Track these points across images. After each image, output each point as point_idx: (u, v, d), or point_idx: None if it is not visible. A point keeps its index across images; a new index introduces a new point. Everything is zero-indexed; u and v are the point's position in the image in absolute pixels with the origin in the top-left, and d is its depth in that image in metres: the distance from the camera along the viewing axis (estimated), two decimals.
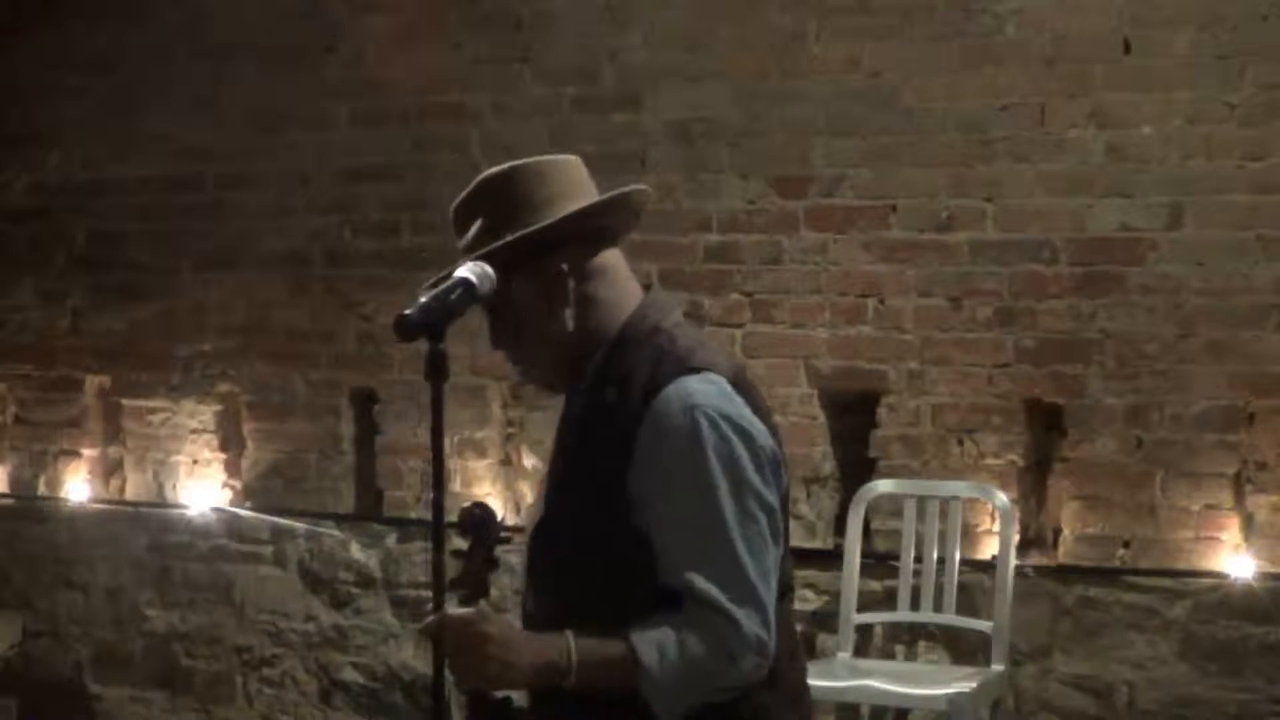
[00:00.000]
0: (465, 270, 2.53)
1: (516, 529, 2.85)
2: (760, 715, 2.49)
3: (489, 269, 2.52)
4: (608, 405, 2.49)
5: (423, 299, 2.46)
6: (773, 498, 2.44)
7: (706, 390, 2.44)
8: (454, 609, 2.41)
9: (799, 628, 5.04)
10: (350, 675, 5.85)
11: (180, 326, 6.12)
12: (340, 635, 5.86)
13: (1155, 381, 4.73)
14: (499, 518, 2.57)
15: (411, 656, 5.70)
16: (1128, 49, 4.77)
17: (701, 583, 2.37)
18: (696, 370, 2.45)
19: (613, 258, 2.61)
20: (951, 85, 4.96)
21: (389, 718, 5.77)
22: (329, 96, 5.86)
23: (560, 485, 2.58)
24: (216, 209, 6.06)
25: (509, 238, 2.54)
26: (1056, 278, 4.84)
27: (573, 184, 2.68)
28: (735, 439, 2.41)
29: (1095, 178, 4.81)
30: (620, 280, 2.60)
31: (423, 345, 2.45)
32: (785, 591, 2.53)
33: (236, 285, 6.03)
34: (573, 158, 2.73)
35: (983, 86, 4.93)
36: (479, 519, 2.54)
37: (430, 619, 2.41)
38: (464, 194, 2.69)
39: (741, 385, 2.52)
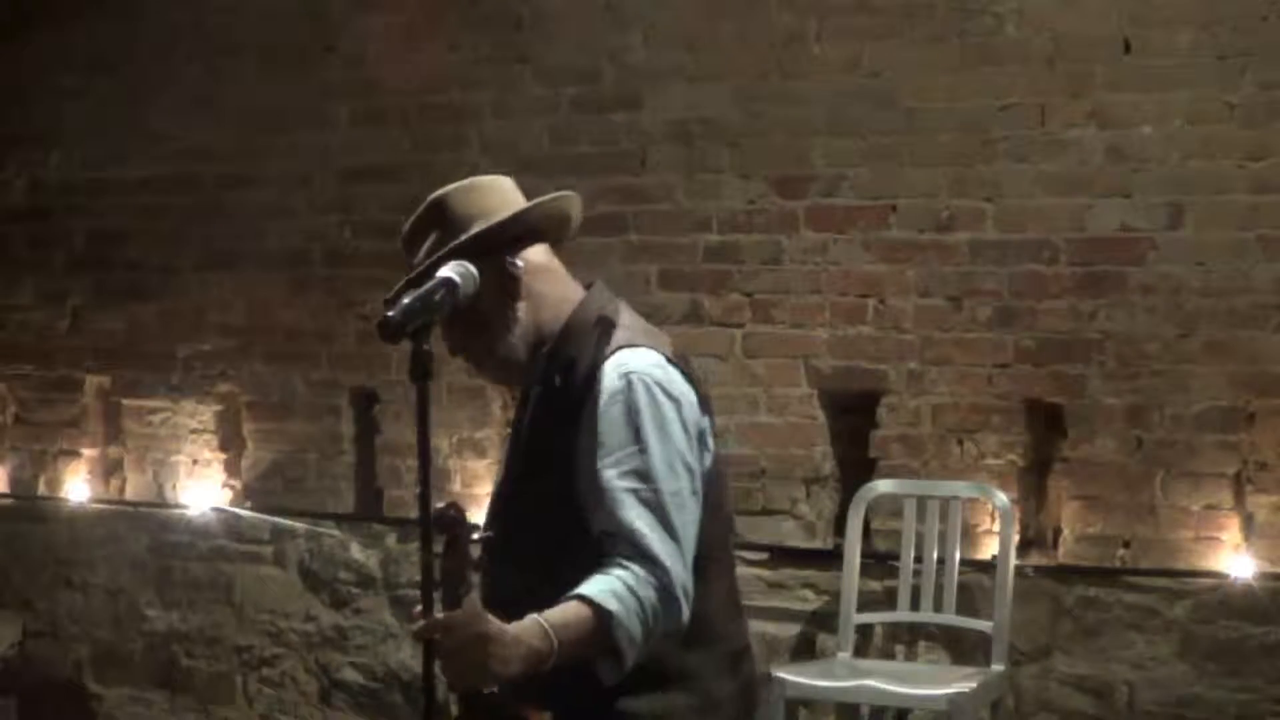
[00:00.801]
0: (448, 270, 2.58)
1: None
2: (689, 675, 2.60)
3: (471, 268, 2.63)
4: (556, 390, 2.66)
5: (405, 300, 2.50)
6: (694, 461, 2.60)
7: (640, 358, 2.62)
8: (446, 611, 2.43)
9: (798, 628, 5.09)
10: (350, 675, 5.85)
11: (180, 326, 6.12)
12: (340, 635, 5.86)
13: (1155, 381, 4.73)
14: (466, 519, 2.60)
15: (411, 657, 5.69)
16: (1128, 49, 4.77)
17: (638, 530, 2.50)
18: (632, 346, 2.65)
19: (551, 259, 2.79)
20: (951, 85, 4.96)
21: (389, 718, 5.77)
22: (329, 96, 5.86)
23: (516, 469, 2.74)
24: (216, 209, 6.06)
25: (466, 236, 2.69)
26: (1056, 278, 4.84)
27: (511, 194, 2.83)
28: (665, 402, 2.58)
29: (1095, 178, 4.80)
30: (562, 277, 2.78)
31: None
32: (723, 559, 2.71)
33: (236, 285, 6.03)
34: (504, 177, 2.88)
35: (983, 86, 4.93)
36: (452, 519, 2.57)
37: (422, 623, 2.44)
38: (410, 220, 2.86)
39: (676, 359, 2.68)
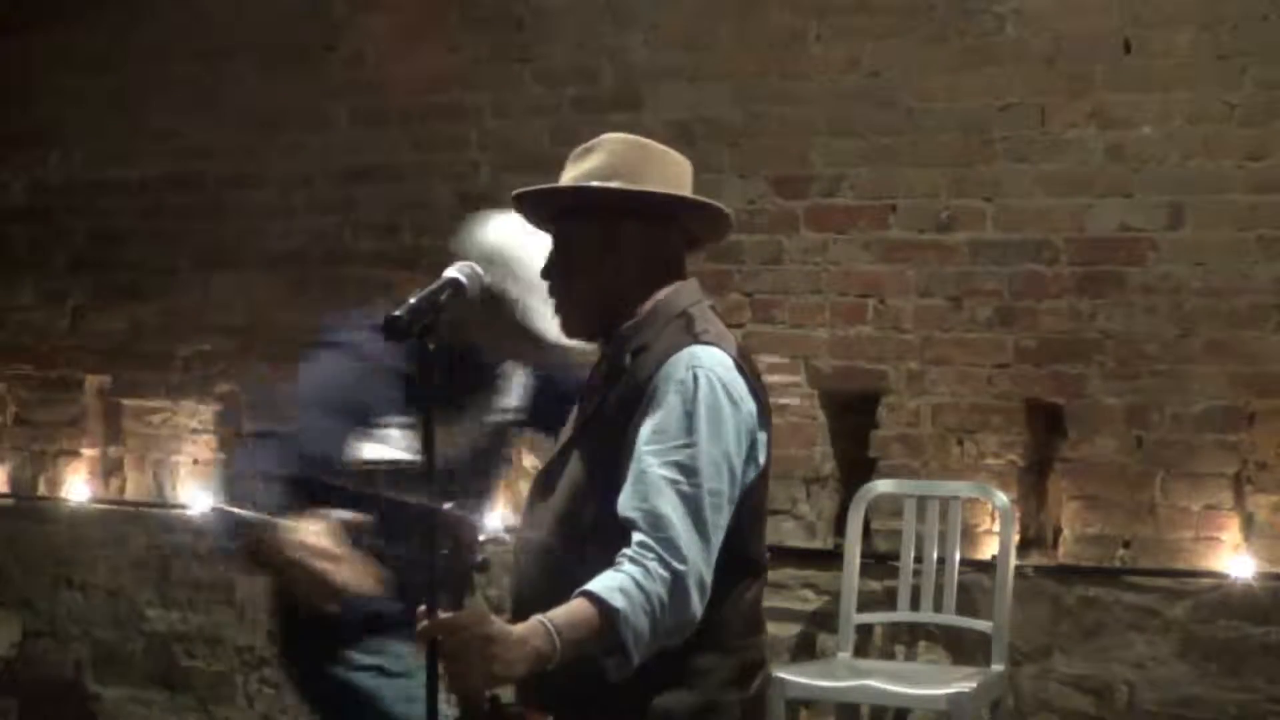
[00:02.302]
0: (454, 270, 2.58)
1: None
2: (696, 675, 2.57)
3: (478, 269, 2.59)
4: (623, 370, 2.62)
5: (411, 299, 2.50)
6: (739, 468, 2.55)
7: (711, 356, 2.58)
8: (449, 612, 2.42)
9: (798, 628, 5.09)
10: None
11: (180, 326, 6.12)
12: None
13: (1155, 381, 4.73)
14: (475, 519, 2.66)
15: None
16: (1128, 49, 4.77)
17: (666, 517, 2.46)
18: (706, 344, 2.60)
19: (680, 255, 2.81)
20: (951, 85, 4.96)
21: None
22: (329, 96, 5.86)
23: (572, 440, 2.69)
24: (216, 209, 6.06)
25: (631, 187, 2.64)
26: (1056, 278, 4.84)
27: (686, 179, 2.79)
28: (725, 402, 2.54)
29: (1095, 178, 4.81)
30: (673, 272, 2.77)
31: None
32: (755, 571, 2.65)
33: (236, 285, 6.03)
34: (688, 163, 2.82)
35: (983, 86, 4.93)
36: (457, 519, 2.59)
37: (427, 623, 2.41)
38: (603, 142, 2.73)
39: (745, 366, 2.63)
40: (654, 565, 2.43)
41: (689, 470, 2.49)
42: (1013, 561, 4.76)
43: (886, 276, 5.05)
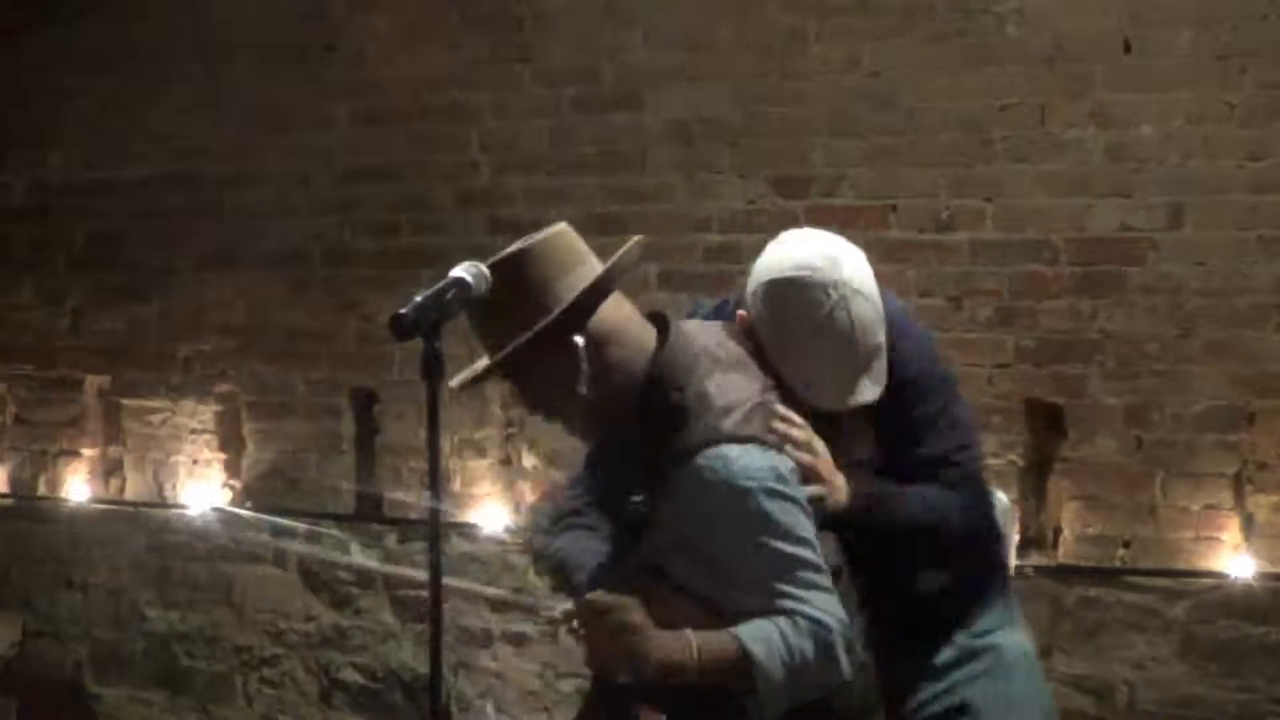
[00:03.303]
0: (460, 270, 2.59)
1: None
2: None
3: (484, 269, 2.61)
4: (633, 451, 2.69)
5: (417, 298, 2.51)
6: (804, 519, 2.64)
7: (740, 462, 2.59)
8: (602, 595, 2.59)
9: None
10: (350, 675, 5.85)
11: (180, 326, 6.12)
12: (340, 635, 5.86)
13: (1155, 381, 4.73)
14: None
15: (411, 656, 5.70)
16: (1128, 49, 4.77)
17: (797, 608, 2.60)
18: (726, 441, 2.61)
19: (620, 314, 2.72)
20: (951, 85, 4.96)
21: (389, 718, 5.78)
22: (329, 96, 5.86)
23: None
24: (216, 209, 6.06)
25: (515, 343, 2.64)
26: (1056, 278, 4.84)
27: (572, 258, 2.71)
28: (764, 500, 2.59)
29: (1095, 178, 4.80)
30: (631, 336, 2.72)
31: (420, 344, 2.48)
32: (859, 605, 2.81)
33: (236, 285, 6.03)
34: (560, 226, 2.75)
35: (983, 86, 4.93)
36: (642, 513, 2.68)
37: (580, 600, 2.60)
38: (474, 297, 2.69)
39: (770, 436, 2.69)
40: (804, 622, 2.57)
41: (782, 590, 2.60)
42: (1013, 561, 4.75)
43: (886, 276, 4.98)
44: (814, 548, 2.62)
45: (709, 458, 2.58)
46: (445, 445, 5.57)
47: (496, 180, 5.60)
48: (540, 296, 2.64)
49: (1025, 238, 4.88)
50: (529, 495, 5.56)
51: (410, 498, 5.72)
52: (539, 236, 2.70)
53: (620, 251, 2.73)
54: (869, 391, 2.79)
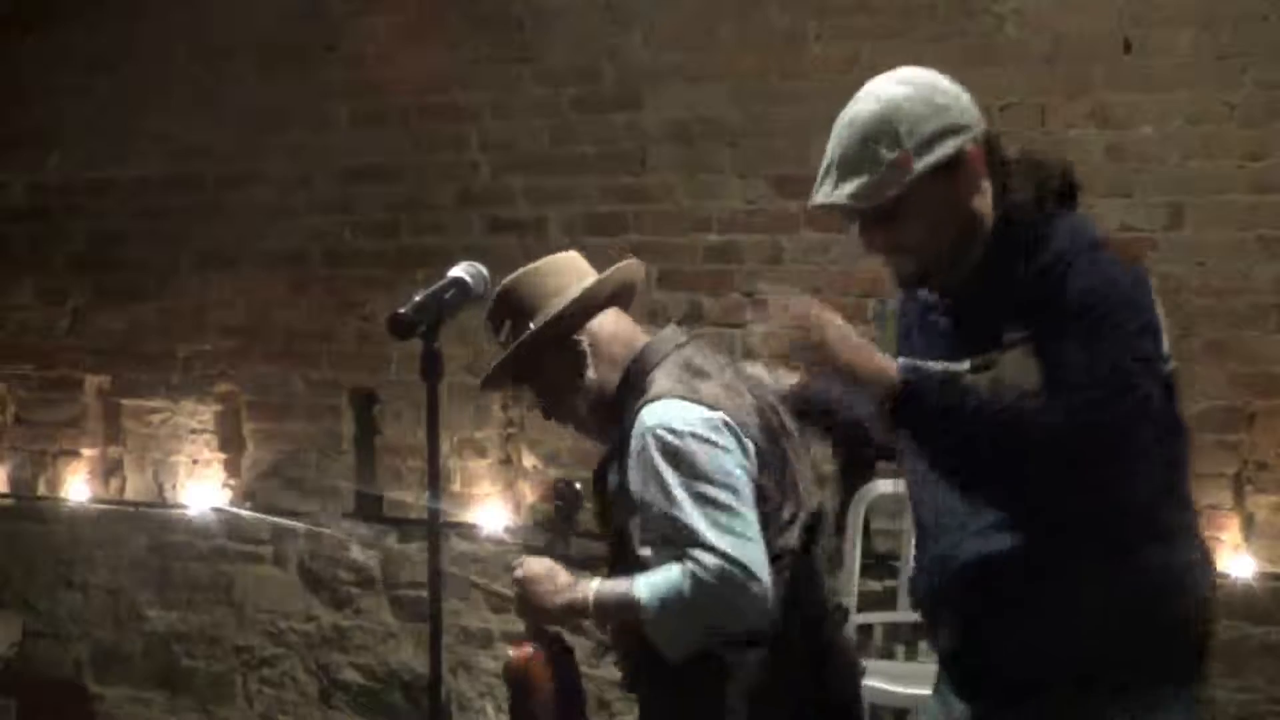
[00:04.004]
0: (459, 270, 2.62)
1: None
2: (735, 670, 2.79)
3: (483, 269, 2.67)
4: (618, 447, 2.91)
5: (417, 297, 2.53)
6: (736, 470, 2.78)
7: (654, 411, 2.82)
8: (528, 560, 2.99)
9: None
10: (350, 675, 5.85)
11: (180, 326, 6.12)
12: (340, 635, 5.86)
13: None
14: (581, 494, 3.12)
15: (411, 656, 5.70)
16: (1128, 49, 4.77)
17: (684, 551, 2.76)
18: (651, 399, 2.85)
19: (619, 324, 3.01)
20: None
21: (389, 718, 5.78)
22: (329, 96, 5.86)
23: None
24: (216, 209, 6.06)
25: (527, 334, 2.92)
26: None
27: (574, 272, 3.02)
28: (676, 443, 2.77)
29: (1095, 178, 4.80)
30: (628, 336, 2.99)
31: (419, 344, 2.48)
32: (783, 554, 2.84)
33: (236, 285, 6.03)
34: (571, 253, 3.07)
35: (983, 86, 4.87)
36: (569, 490, 3.10)
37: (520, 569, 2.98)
38: (487, 309, 3.00)
39: (715, 399, 2.86)
40: (693, 564, 2.72)
41: (679, 512, 2.76)
42: None
43: (886, 276, 5.03)
44: (734, 492, 2.76)
45: (643, 412, 2.82)
46: (445, 445, 5.57)
47: (496, 180, 5.60)
48: (543, 304, 2.94)
49: None
50: (529, 495, 5.56)
51: (410, 498, 5.72)
52: (549, 258, 3.03)
53: (613, 267, 3.01)
54: (827, 195, 2.70)
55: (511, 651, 3.05)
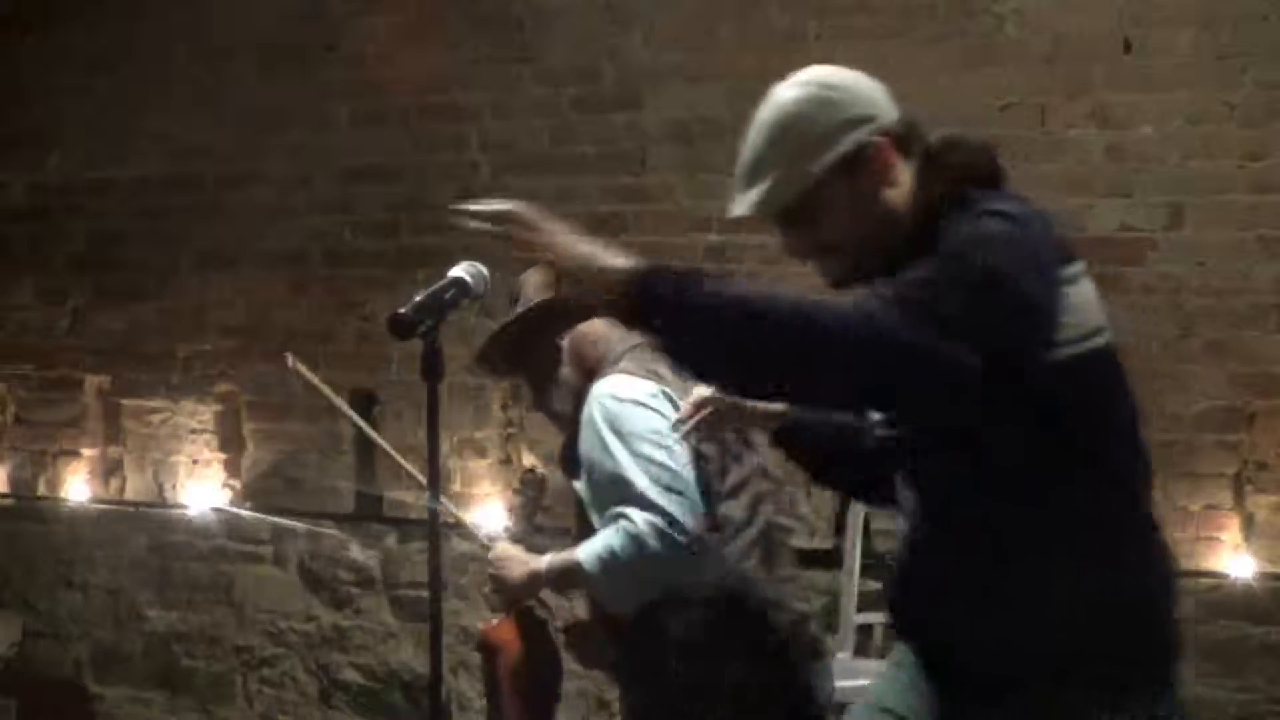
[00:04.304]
0: (459, 270, 2.62)
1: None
2: (686, 629, 2.98)
3: (483, 269, 2.73)
4: None
5: (417, 297, 2.52)
6: (669, 432, 3.05)
7: (604, 382, 3.17)
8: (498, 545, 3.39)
9: None
10: (350, 675, 5.85)
11: (180, 326, 6.12)
12: (340, 635, 5.86)
13: (1155, 381, 4.73)
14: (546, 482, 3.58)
15: (411, 656, 5.70)
16: (1128, 49, 4.77)
17: (617, 509, 3.08)
18: (604, 375, 3.19)
19: (604, 328, 3.32)
20: (951, 85, 4.95)
21: (389, 718, 5.78)
22: (329, 96, 5.86)
23: None
24: (216, 209, 6.06)
25: (513, 316, 3.39)
26: None
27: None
28: (617, 407, 3.10)
29: (1095, 178, 4.80)
30: (603, 341, 3.30)
31: (420, 344, 2.48)
32: (726, 524, 3.12)
33: (236, 285, 6.03)
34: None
35: (983, 86, 4.92)
36: (534, 479, 3.58)
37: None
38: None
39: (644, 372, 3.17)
40: (625, 521, 3.04)
41: (618, 469, 3.08)
42: None
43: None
44: (668, 451, 3.06)
45: (595, 385, 3.17)
46: (445, 445, 5.57)
47: (496, 180, 5.59)
48: (535, 294, 3.31)
49: None
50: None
51: (410, 498, 5.72)
52: None
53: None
54: (738, 205, 2.58)
55: (481, 625, 3.40)
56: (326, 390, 3.89)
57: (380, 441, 4.02)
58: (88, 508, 6.29)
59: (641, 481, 3.04)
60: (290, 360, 3.78)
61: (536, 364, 3.34)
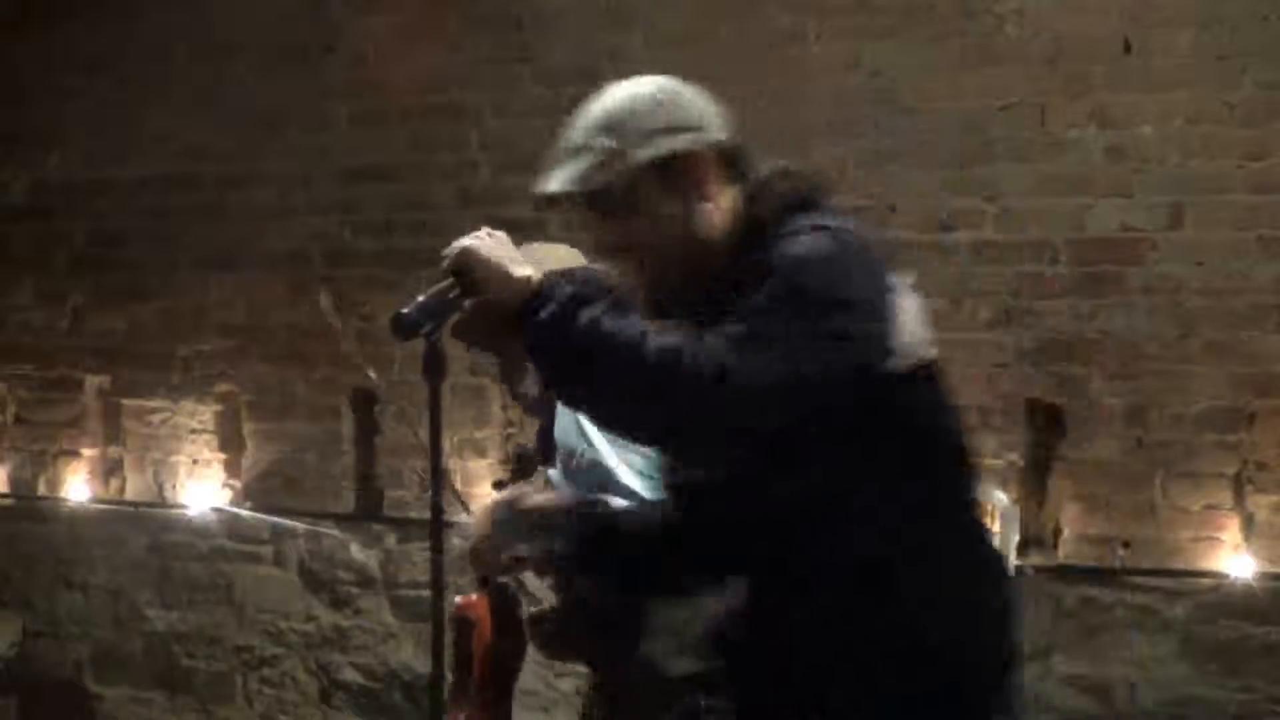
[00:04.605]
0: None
1: None
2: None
3: None
4: None
5: (419, 298, 2.49)
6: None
7: None
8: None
9: None
10: (350, 675, 5.85)
11: (180, 326, 6.12)
12: (340, 635, 5.86)
13: (1155, 381, 4.73)
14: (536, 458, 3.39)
15: (411, 656, 5.70)
16: (1128, 49, 4.77)
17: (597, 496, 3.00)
18: None
19: None
20: (951, 85, 4.96)
21: (389, 718, 5.78)
22: (329, 96, 5.86)
23: None
24: (216, 209, 6.06)
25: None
26: (1056, 278, 4.84)
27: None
28: None
29: (1095, 178, 4.80)
30: None
31: (420, 344, 2.47)
32: None
33: (236, 285, 6.03)
34: (570, 250, 3.17)
35: (983, 86, 4.93)
36: (526, 453, 3.47)
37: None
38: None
39: None
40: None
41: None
42: (1013, 561, 4.76)
43: None
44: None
45: None
46: (445, 445, 5.56)
47: (496, 180, 5.60)
48: None
49: (1025, 238, 4.88)
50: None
51: (410, 498, 5.72)
52: (549, 246, 3.19)
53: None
54: (551, 181, 2.53)
55: (458, 599, 3.30)
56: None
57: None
58: (88, 508, 6.29)
59: (621, 470, 2.99)
60: (323, 300, 3.63)
61: (517, 346, 3.21)
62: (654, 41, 5.38)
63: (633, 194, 2.44)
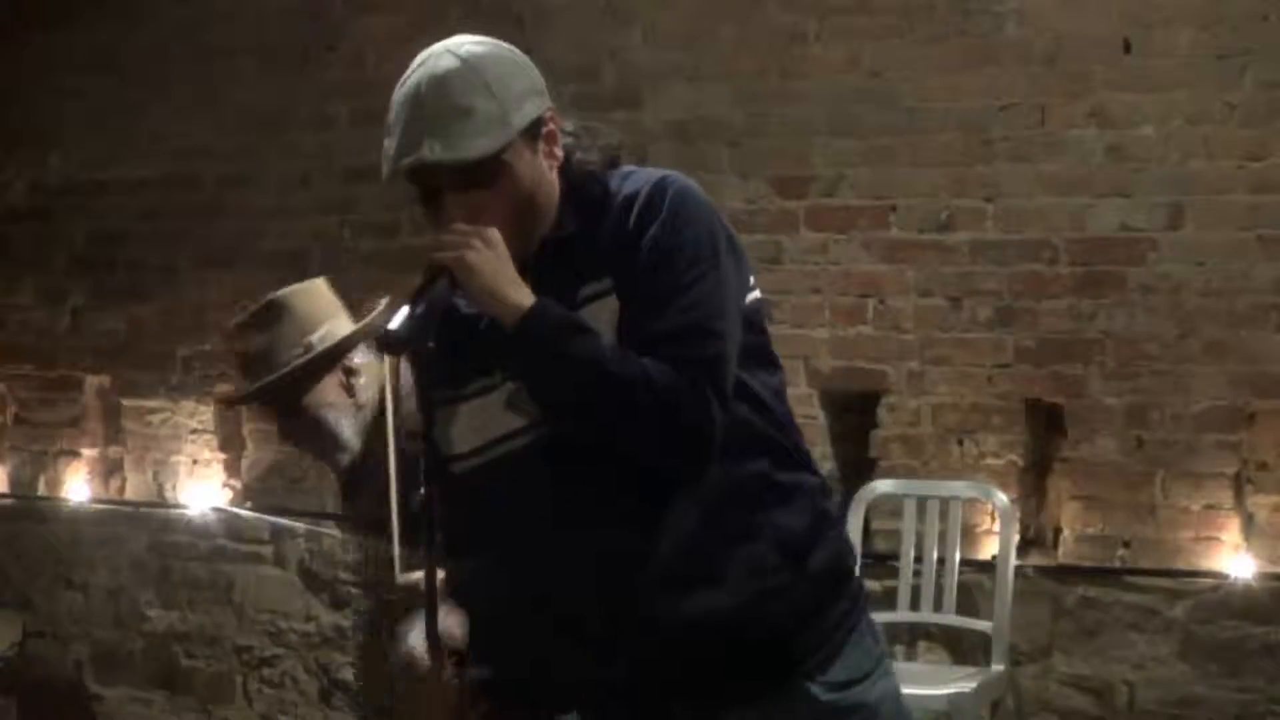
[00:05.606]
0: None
1: None
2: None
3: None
4: None
5: (404, 308, 2.41)
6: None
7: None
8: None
9: None
10: (350, 675, 5.85)
11: (180, 326, 6.12)
12: (340, 635, 5.86)
13: (1155, 381, 4.73)
14: None
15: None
16: (1128, 49, 4.77)
17: None
18: None
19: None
20: (951, 85, 4.96)
21: (389, 718, 5.77)
22: (329, 96, 5.86)
23: None
24: (216, 209, 6.06)
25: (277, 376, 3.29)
26: (1056, 278, 4.84)
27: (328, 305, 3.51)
28: None
29: (1095, 178, 4.80)
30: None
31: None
32: None
33: (236, 285, 6.02)
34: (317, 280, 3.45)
35: (983, 86, 4.92)
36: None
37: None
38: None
39: None
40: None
41: None
42: (1013, 561, 4.76)
43: (886, 276, 5.05)
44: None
45: None
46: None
47: None
48: (300, 338, 3.27)
49: (1025, 238, 4.88)
50: None
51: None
52: (298, 286, 3.39)
53: (373, 314, 3.26)
54: (425, 151, 2.38)
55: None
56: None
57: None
58: (88, 508, 6.29)
59: None
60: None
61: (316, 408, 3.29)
62: (654, 40, 5.38)
63: (510, 161, 2.35)
